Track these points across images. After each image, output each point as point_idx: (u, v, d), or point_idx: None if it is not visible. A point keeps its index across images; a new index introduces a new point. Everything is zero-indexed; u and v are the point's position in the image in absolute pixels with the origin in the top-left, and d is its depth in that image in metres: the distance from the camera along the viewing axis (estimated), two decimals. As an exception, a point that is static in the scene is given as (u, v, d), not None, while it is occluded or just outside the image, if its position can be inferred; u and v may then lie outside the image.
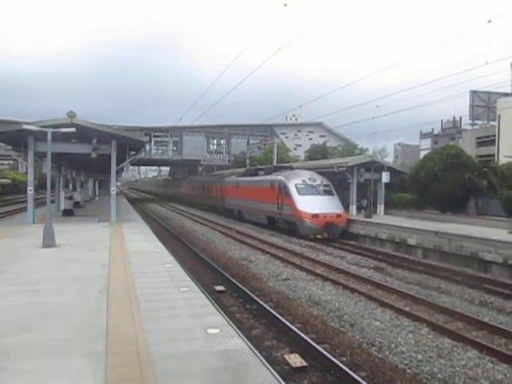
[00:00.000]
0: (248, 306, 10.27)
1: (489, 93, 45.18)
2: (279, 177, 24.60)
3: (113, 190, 21.29)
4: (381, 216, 25.37)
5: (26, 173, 20.44)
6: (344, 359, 7.25)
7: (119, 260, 10.71)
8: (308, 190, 22.61)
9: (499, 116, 36.10)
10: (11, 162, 63.51)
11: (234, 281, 12.33)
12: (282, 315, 9.32)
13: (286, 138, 62.89)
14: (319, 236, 21.22)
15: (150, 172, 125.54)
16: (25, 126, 14.79)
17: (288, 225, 23.30)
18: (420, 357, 7.32)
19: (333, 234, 21.52)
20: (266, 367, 4.78)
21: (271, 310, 9.57)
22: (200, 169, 59.33)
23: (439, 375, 6.69)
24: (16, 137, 18.24)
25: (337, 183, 24.74)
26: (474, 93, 45.98)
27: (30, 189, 19.36)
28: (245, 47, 56.25)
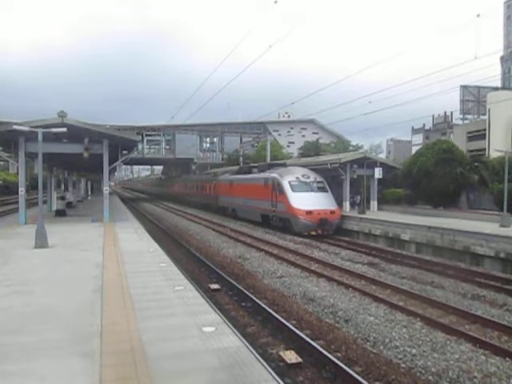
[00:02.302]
0: (243, 304, 10.27)
1: (479, 87, 45.50)
2: (273, 174, 24.61)
3: (105, 189, 21.16)
4: (374, 212, 25.49)
5: (17, 173, 20.28)
6: (339, 355, 7.29)
7: (113, 260, 10.66)
8: (302, 186, 22.65)
9: (489, 110, 36.38)
10: (1, 162, 62.90)
11: (229, 279, 12.33)
12: (277, 312, 9.34)
13: (279, 135, 62.91)
14: (313, 233, 21.28)
15: (142, 171, 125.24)
16: (15, 127, 14.63)
17: (282, 222, 23.33)
18: (414, 351, 7.38)
19: (327, 230, 21.60)
20: (262, 364, 4.79)
21: (266, 308, 9.58)
22: (193, 167, 59.21)
23: (433, 369, 6.74)
24: (6, 137, 18.07)
25: (330, 180, 24.82)
26: (464, 87, 46.27)
27: (22, 189, 19.18)
28: (236, 45, 56.23)
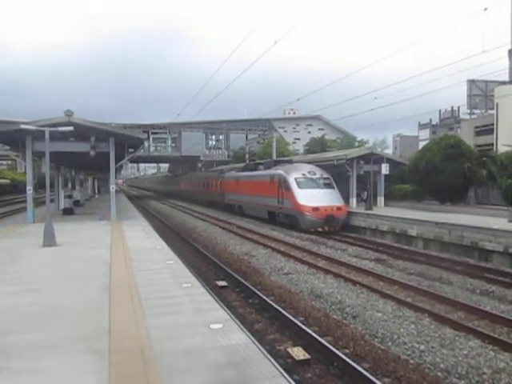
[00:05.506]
0: (250, 301, 10.28)
1: (486, 81, 44.91)
2: (279, 171, 24.58)
3: (112, 187, 21.27)
4: (381, 208, 25.39)
5: (25, 173, 20.43)
6: (347, 351, 7.27)
7: (120, 257, 10.72)
8: (308, 183, 22.60)
9: (497, 105, 35.94)
10: (9, 162, 63.40)
11: (236, 276, 12.34)
12: (284, 309, 9.34)
13: (285, 131, 62.75)
14: (320, 229, 21.23)
15: (149, 169, 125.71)
16: (22, 126, 14.74)
17: (289, 219, 23.30)
18: (422, 347, 7.34)
19: (333, 226, 21.55)
20: (270, 361, 4.79)
21: (274, 304, 9.59)
22: (199, 165, 59.28)
23: (442, 365, 6.71)
24: (13, 137, 18.19)
25: (336, 176, 24.72)
26: (471, 82, 45.72)
27: (30, 188, 19.34)
28: (241, 41, 56.06)
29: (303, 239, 19.86)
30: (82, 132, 17.95)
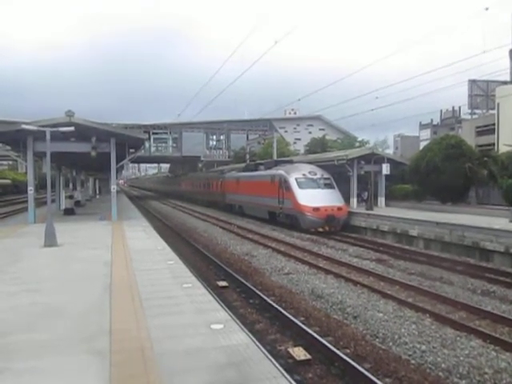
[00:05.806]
0: (251, 301, 10.28)
1: (487, 81, 44.83)
2: (280, 171, 24.57)
3: (113, 188, 21.29)
4: (382, 208, 25.37)
5: (26, 173, 20.47)
6: (348, 351, 7.26)
7: (121, 258, 10.72)
8: (308, 183, 22.60)
9: (498, 104, 35.89)
10: (10, 162, 63.49)
11: (237, 276, 12.33)
12: (285, 309, 9.34)
13: (286, 132, 62.79)
14: (320, 229, 21.22)
15: (149, 169, 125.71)
16: (23, 126, 14.75)
17: (289, 219, 23.29)
18: (424, 347, 7.32)
19: (334, 226, 21.53)
20: (271, 361, 4.78)
21: (274, 304, 9.58)
22: (200, 165, 59.32)
23: (443, 365, 6.69)
24: (15, 137, 18.22)
25: (337, 176, 24.71)
26: (472, 82, 45.66)
27: (31, 189, 19.37)
28: (241, 42, 56.13)
29: (304, 239, 19.85)
30: (83, 132, 17.96)
